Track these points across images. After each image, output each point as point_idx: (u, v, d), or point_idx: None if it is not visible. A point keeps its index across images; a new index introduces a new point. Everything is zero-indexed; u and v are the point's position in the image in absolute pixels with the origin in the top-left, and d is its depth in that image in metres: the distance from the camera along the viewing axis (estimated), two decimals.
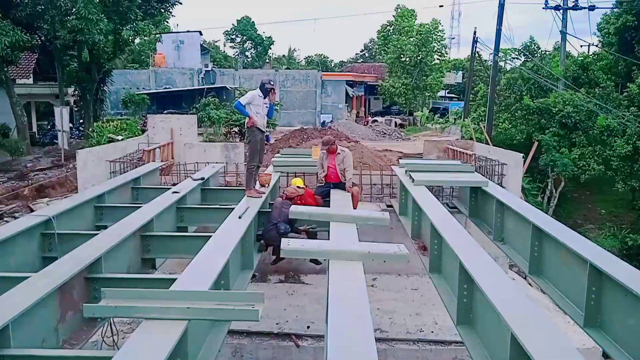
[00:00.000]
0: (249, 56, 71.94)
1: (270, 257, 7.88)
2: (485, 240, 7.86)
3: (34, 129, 26.66)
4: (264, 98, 8.12)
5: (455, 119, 31.03)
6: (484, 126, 22.93)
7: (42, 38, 23.41)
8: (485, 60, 36.04)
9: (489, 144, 17.99)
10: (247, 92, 20.05)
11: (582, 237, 5.76)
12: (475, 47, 28.00)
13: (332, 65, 76.43)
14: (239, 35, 72.25)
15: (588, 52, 30.34)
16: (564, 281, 5.56)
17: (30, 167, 18.98)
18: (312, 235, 7.83)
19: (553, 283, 5.82)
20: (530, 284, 11.13)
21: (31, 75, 27.78)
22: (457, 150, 13.18)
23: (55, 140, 23.44)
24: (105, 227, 7.07)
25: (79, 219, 7.32)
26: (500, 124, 25.13)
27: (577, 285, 5.13)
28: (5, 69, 21.31)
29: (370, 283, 9.85)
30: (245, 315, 4.10)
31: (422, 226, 7.66)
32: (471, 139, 20.24)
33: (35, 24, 21.39)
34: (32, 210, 13.12)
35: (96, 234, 6.21)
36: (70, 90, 27.30)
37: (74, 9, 20.29)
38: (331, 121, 39.85)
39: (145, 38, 34.48)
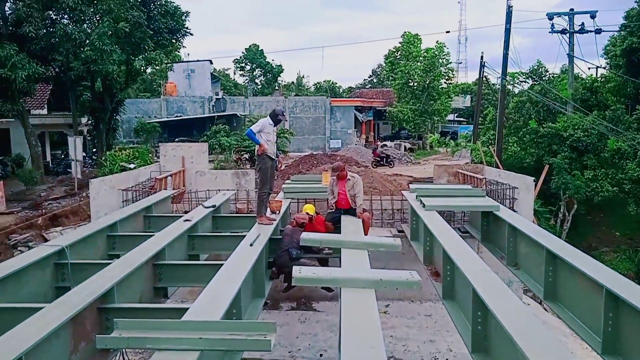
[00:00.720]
0: (259, 83, 72.89)
1: (281, 284, 7.84)
2: (498, 265, 7.80)
3: (48, 159, 27.05)
4: (274, 126, 8.22)
5: (466, 142, 31.08)
6: (493, 150, 22.90)
7: (57, 69, 23.94)
8: (493, 84, 36.23)
9: (499, 168, 17.93)
10: (257, 119, 20.22)
11: (597, 261, 5.69)
12: (483, 71, 28.13)
13: (341, 91, 77.15)
14: (249, 64, 73.36)
15: (596, 75, 30.37)
16: (580, 307, 5.47)
17: (44, 196, 19.19)
18: (323, 261, 7.82)
19: (569, 309, 5.73)
20: (545, 309, 10.94)
21: (45, 105, 28.35)
22: (467, 175, 13.15)
23: (68, 170, 23.74)
24: (117, 256, 7.10)
25: (92, 248, 7.37)
26: (510, 147, 25.09)
27: (593, 311, 5.06)
28: (21, 100, 21.76)
29: (383, 309, 9.75)
30: (258, 345, 4.08)
31: (434, 252, 7.62)
32: (481, 162, 20.20)
33: (50, 56, 21.91)
34: (45, 240, 13.25)
35: (109, 264, 6.24)
36: (84, 119, 27.80)
37: (87, 41, 20.78)
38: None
39: (157, 67, 35.17)
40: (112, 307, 5.17)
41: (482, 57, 27.86)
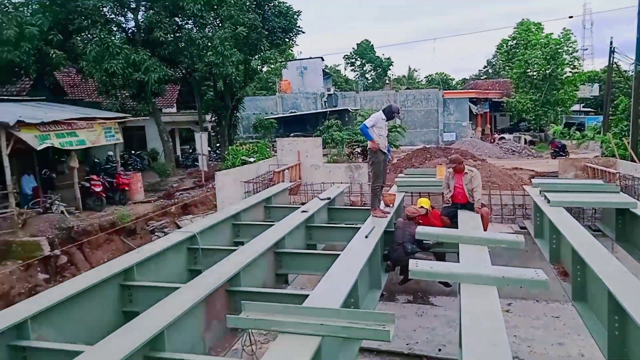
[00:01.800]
0: (369, 78, 72.96)
1: (397, 276, 7.82)
2: (637, 267, 7.10)
3: (178, 153, 29.38)
4: (387, 121, 8.22)
5: (594, 134, 28.50)
6: (627, 142, 20.76)
7: (183, 71, 25.90)
8: (625, 71, 32.73)
9: (634, 162, 16.26)
10: (368, 113, 20.15)
11: None
12: (613, 57, 25.58)
13: (454, 83, 74.66)
14: (359, 59, 73.72)
15: None
16: None
17: (175, 187, 20.92)
18: (440, 256, 7.68)
19: None
20: None
21: (175, 104, 30.81)
22: (597, 169, 12.10)
23: (196, 163, 25.63)
24: (242, 243, 7.56)
25: (219, 235, 7.90)
26: None
27: None
28: (154, 100, 23.86)
29: (504, 308, 9.33)
30: (377, 334, 4.12)
31: (561, 250, 7.14)
32: (613, 155, 18.44)
33: (177, 59, 23.76)
34: (178, 226, 14.45)
35: (234, 250, 6.66)
36: (208, 117, 29.75)
37: (209, 45, 22.24)
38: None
39: (272, 66, 36.58)
40: (239, 290, 5.51)
41: (611, 43, 25.41)
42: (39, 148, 14.52)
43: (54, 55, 19.48)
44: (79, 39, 21.45)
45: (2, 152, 13.66)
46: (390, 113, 8.19)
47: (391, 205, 8.76)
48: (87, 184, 16.57)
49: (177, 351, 4.29)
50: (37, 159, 17.73)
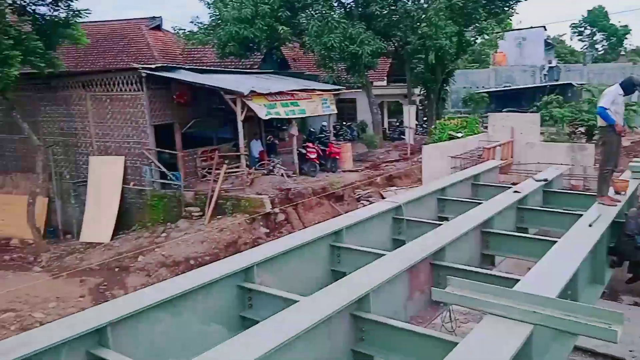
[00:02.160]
0: (600, 49, 64.16)
1: (624, 274, 6.88)
2: None
3: (385, 125, 30.06)
4: (624, 95, 7.18)
5: None
6: None
7: (395, 45, 26.11)
8: None
9: None
10: (597, 89, 17.89)
11: None
12: None
13: None
14: (588, 28, 65.19)
15: None
16: None
17: (382, 158, 21.58)
18: None
19: None
20: None
21: (385, 78, 31.43)
22: None
23: (402, 136, 25.94)
24: (446, 219, 7.44)
25: (424, 208, 7.89)
26: None
27: None
28: (366, 74, 24.66)
29: None
30: (600, 333, 3.70)
31: None
32: None
33: (390, 32, 24.02)
34: (382, 196, 14.90)
35: (439, 224, 6.59)
36: (417, 90, 29.67)
37: (424, 17, 21.92)
38: None
39: (487, 37, 34.63)
40: (443, 265, 5.44)
41: None
42: (264, 118, 16.30)
43: (281, 31, 21.52)
44: (303, 15, 23.13)
45: (238, 118, 15.65)
46: (630, 86, 7.17)
47: (623, 192, 7.69)
48: (304, 151, 18.09)
49: (380, 314, 4.43)
50: (263, 126, 19.93)
